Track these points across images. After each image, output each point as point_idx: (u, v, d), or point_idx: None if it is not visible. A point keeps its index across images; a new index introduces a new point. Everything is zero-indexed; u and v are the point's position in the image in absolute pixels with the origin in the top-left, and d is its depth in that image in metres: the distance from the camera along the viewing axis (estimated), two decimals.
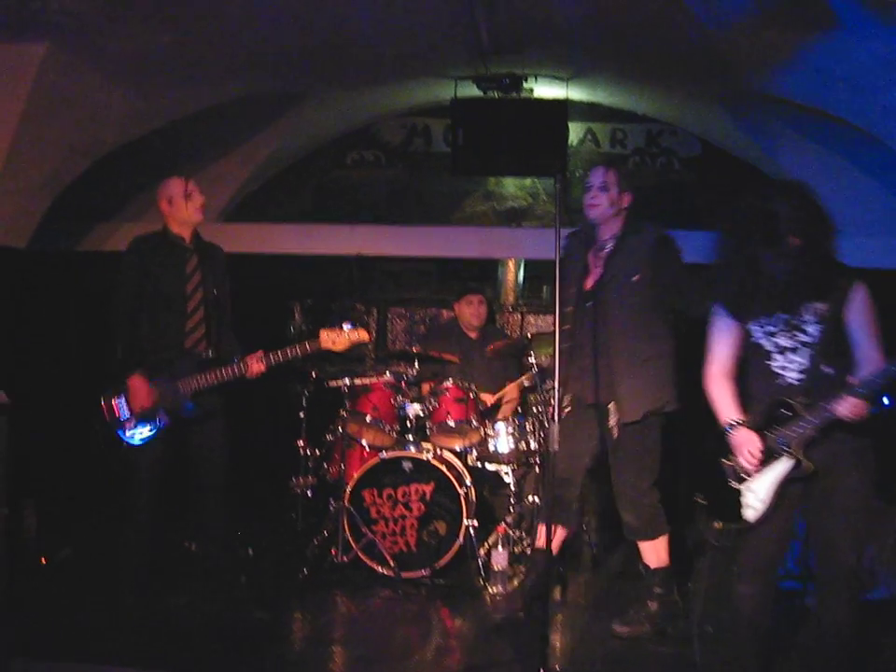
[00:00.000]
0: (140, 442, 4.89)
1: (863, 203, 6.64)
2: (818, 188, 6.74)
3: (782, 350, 3.61)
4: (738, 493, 3.65)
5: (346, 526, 5.58)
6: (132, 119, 5.86)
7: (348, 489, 5.64)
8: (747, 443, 3.61)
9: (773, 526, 3.62)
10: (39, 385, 6.40)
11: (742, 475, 3.64)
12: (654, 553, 4.85)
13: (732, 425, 3.68)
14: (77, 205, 6.38)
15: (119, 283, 5.00)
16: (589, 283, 4.86)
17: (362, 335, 5.10)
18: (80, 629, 4.66)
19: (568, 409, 4.88)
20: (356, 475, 5.69)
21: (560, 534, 4.93)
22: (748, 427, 3.64)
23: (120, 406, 4.90)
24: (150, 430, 4.89)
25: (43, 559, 5.62)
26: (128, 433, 4.89)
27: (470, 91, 6.69)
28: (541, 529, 4.97)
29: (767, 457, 3.58)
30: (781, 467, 3.56)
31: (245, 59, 5.61)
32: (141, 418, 4.88)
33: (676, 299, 4.72)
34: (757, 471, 3.60)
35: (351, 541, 5.57)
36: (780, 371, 3.62)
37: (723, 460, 3.71)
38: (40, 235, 5.99)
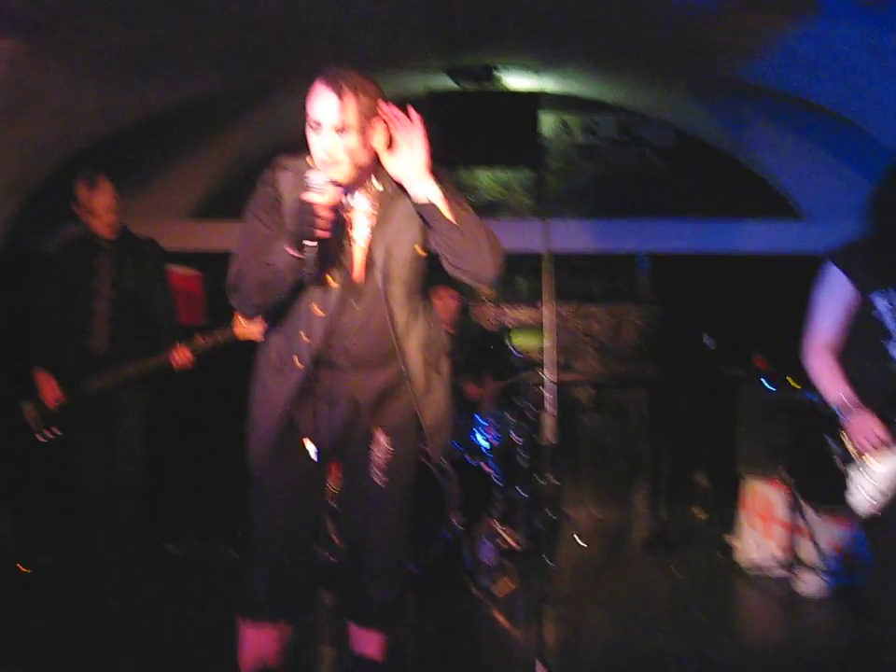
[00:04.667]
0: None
1: (838, 190, 6.67)
2: (792, 175, 6.74)
3: None
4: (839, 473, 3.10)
5: (330, 521, 5.52)
6: (101, 115, 5.77)
7: (330, 484, 5.55)
8: (868, 427, 3.04)
9: None
10: (16, 387, 6.31)
11: (856, 458, 3.08)
12: (380, 643, 3.38)
13: (847, 406, 3.09)
14: (47, 207, 6.29)
15: (40, 288, 4.91)
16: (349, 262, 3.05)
17: None
18: (61, 638, 4.58)
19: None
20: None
21: (273, 636, 3.30)
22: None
23: (34, 408, 4.85)
24: (62, 431, 4.85)
25: (20, 566, 5.53)
26: (45, 435, 4.84)
27: (442, 82, 6.65)
28: (251, 635, 3.28)
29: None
30: None
31: (211, 53, 5.52)
32: (59, 419, 4.82)
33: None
34: (879, 454, 3.04)
35: (334, 536, 5.50)
36: None
37: (830, 437, 3.14)
38: (11, 237, 5.89)
